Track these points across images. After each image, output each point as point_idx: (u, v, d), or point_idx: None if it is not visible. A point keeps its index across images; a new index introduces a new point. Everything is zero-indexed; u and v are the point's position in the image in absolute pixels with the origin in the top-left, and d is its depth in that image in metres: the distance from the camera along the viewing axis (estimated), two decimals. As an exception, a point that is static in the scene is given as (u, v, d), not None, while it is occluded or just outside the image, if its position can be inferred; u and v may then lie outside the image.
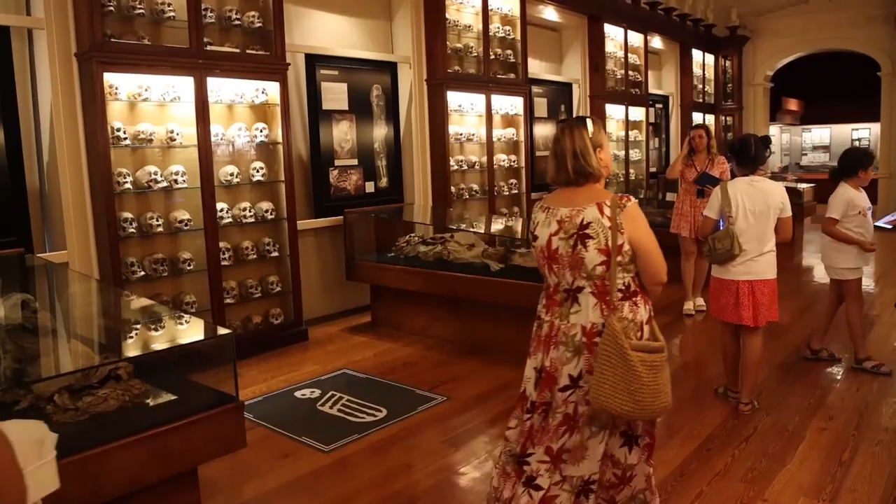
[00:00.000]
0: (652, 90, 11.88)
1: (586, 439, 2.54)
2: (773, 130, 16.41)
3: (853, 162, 4.77)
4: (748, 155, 4.19)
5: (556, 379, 2.55)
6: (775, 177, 12.08)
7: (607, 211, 2.46)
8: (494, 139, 8.03)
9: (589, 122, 2.58)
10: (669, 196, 10.43)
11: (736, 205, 4.10)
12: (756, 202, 4.07)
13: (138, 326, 3.68)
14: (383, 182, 7.24)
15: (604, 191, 2.56)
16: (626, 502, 2.67)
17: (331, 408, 4.45)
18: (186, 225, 5.18)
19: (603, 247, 2.45)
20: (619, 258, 2.46)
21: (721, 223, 4.17)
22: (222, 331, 3.33)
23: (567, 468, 2.54)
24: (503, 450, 2.71)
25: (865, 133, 14.83)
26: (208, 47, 5.24)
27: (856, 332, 4.91)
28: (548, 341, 2.60)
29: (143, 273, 5.00)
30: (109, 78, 4.82)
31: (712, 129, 13.39)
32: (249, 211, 5.59)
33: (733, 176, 4.56)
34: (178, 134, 5.15)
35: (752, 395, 4.26)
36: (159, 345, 3.45)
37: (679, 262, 6.79)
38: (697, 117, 13.27)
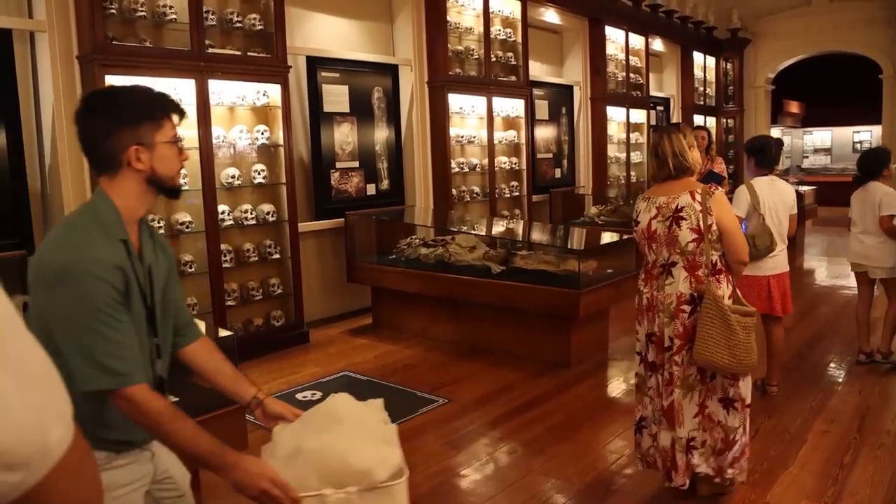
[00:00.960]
0: (653, 92, 11.88)
1: (680, 401, 3.00)
2: (775, 133, 16.40)
3: (878, 162, 4.93)
4: (769, 155, 4.39)
5: (663, 342, 3.04)
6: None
7: (698, 197, 2.96)
8: (495, 141, 8.03)
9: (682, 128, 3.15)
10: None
11: (764, 203, 4.25)
12: (776, 200, 4.29)
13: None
14: (384, 184, 7.25)
15: (695, 182, 3.08)
16: (726, 467, 3.06)
17: (332, 410, 4.44)
18: (188, 227, 5.18)
19: (694, 226, 2.94)
20: (708, 236, 2.93)
21: (743, 224, 4.26)
22: (223, 333, 3.33)
23: (673, 430, 3.03)
24: (638, 412, 3.23)
25: (867, 136, 14.80)
26: (209, 50, 5.25)
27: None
28: (649, 310, 3.10)
29: (144, 275, 5.00)
30: (111, 80, 4.81)
31: (713, 131, 13.44)
32: (251, 213, 5.60)
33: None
34: (179, 136, 5.14)
35: (779, 377, 4.55)
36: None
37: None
38: (698, 119, 13.25)
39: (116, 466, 1.71)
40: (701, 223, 2.93)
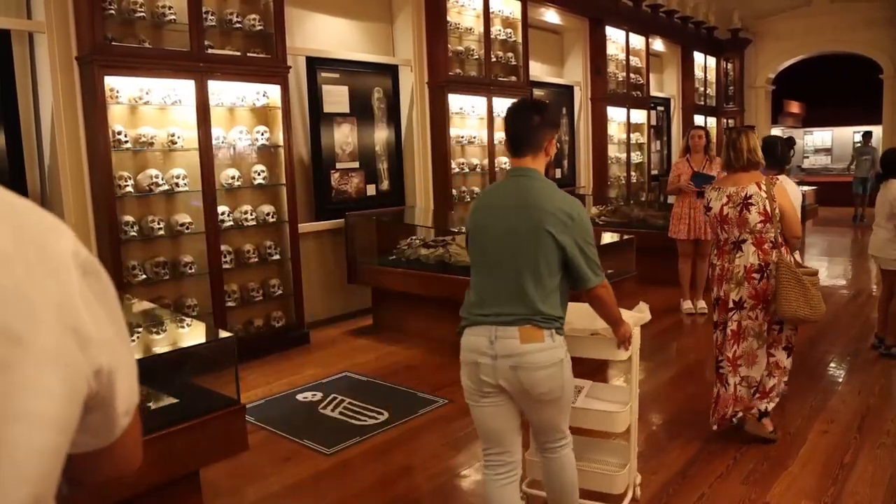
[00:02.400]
0: (653, 93, 11.89)
1: (755, 349, 3.73)
2: (775, 133, 16.40)
3: None
4: (774, 155, 4.42)
5: (727, 304, 3.72)
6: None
7: (763, 187, 3.65)
8: (496, 142, 8.03)
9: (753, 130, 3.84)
10: (671, 198, 10.44)
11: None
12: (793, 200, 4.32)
13: (140, 330, 3.68)
14: (385, 185, 7.25)
15: (759, 174, 3.74)
16: (774, 394, 3.82)
17: (332, 410, 4.45)
18: (188, 228, 5.18)
19: (761, 210, 3.62)
20: (773, 218, 3.61)
21: None
22: (224, 334, 3.33)
23: (742, 370, 3.75)
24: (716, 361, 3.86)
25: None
26: (209, 50, 5.25)
27: None
28: (720, 278, 3.77)
29: (144, 276, 5.01)
30: (110, 81, 4.83)
31: (714, 131, 13.44)
32: (251, 214, 5.60)
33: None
34: (179, 137, 5.16)
35: None
36: (161, 348, 3.45)
37: (676, 264, 6.81)
38: (699, 120, 13.25)
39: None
40: (767, 207, 3.61)
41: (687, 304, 6.81)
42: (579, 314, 2.78)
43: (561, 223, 2.42)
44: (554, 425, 2.62)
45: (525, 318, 2.42)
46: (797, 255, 3.79)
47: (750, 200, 3.63)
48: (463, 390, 2.59)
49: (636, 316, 2.97)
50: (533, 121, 2.59)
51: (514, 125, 2.64)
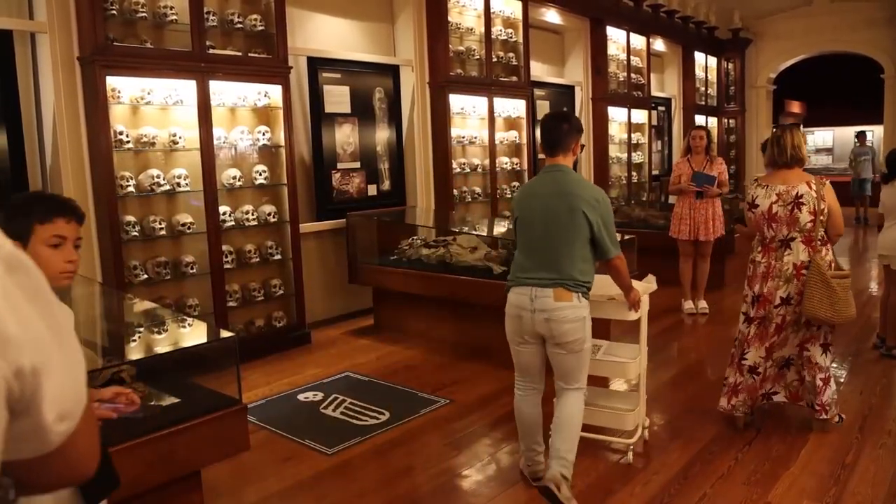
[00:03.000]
0: (654, 93, 11.88)
1: (789, 334, 3.88)
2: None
3: None
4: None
5: (770, 300, 3.82)
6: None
7: (813, 187, 3.73)
8: (497, 142, 8.03)
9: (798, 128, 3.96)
10: (672, 198, 10.42)
11: None
12: None
13: (141, 329, 3.69)
14: (386, 185, 7.25)
15: (806, 173, 3.82)
16: (831, 404, 3.88)
17: (333, 410, 4.45)
18: (189, 228, 5.19)
19: (812, 209, 3.71)
20: (821, 217, 3.72)
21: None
22: (225, 334, 3.33)
23: (774, 353, 3.93)
24: (735, 354, 4.00)
25: (868, 136, 14.84)
26: (210, 51, 5.25)
27: None
28: (764, 275, 3.85)
29: (145, 276, 5.01)
30: (112, 81, 4.83)
31: (715, 131, 13.44)
32: (252, 214, 5.60)
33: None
34: (180, 137, 5.16)
35: None
36: (162, 348, 3.46)
37: (677, 264, 6.80)
38: (700, 120, 13.25)
39: None
40: (816, 207, 3.71)
41: (688, 305, 6.81)
42: (600, 284, 3.40)
43: (590, 205, 3.12)
44: (572, 372, 3.23)
45: (559, 281, 3.12)
46: (836, 260, 3.87)
47: (801, 200, 3.72)
48: (507, 336, 3.33)
49: (644, 285, 3.66)
50: (563, 128, 3.26)
51: (548, 132, 3.28)
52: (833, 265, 3.77)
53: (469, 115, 7.83)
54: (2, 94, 4.63)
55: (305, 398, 4.71)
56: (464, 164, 7.73)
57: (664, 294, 7.25)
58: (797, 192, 3.72)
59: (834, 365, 5.12)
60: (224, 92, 5.46)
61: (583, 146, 3.53)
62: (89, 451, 0.88)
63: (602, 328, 4.28)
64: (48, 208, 1.82)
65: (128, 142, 4.92)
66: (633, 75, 10.76)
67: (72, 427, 0.81)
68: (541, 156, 9.36)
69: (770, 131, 14.57)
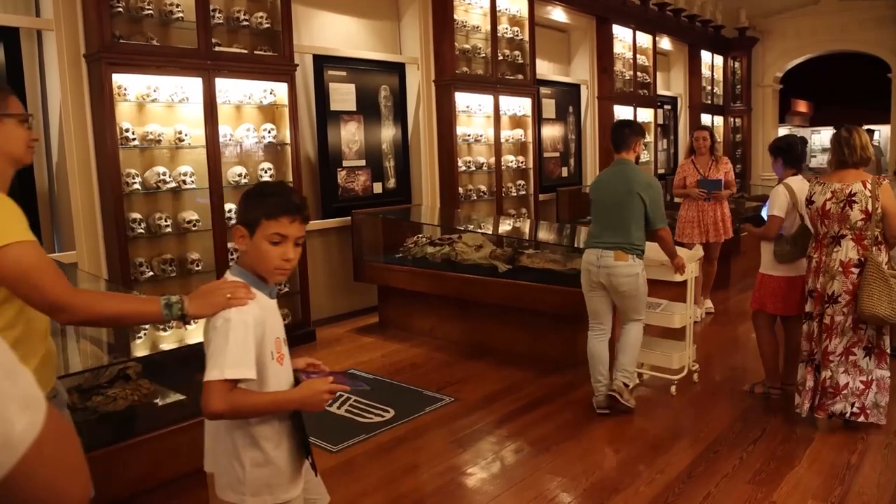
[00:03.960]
0: (660, 91, 11.85)
1: (835, 346, 3.84)
2: (783, 132, 16.35)
3: None
4: (795, 154, 4.41)
5: (822, 297, 3.86)
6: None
7: (868, 186, 3.75)
8: (502, 140, 8.02)
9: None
10: (676, 198, 10.40)
11: (802, 203, 4.21)
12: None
13: (147, 327, 3.70)
14: (391, 183, 7.25)
15: (864, 173, 3.85)
16: (872, 407, 3.83)
17: (338, 408, 4.45)
18: (195, 225, 5.19)
19: (864, 209, 3.74)
20: (874, 217, 3.73)
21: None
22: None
23: (832, 367, 3.86)
24: (805, 352, 4.03)
25: (875, 136, 14.75)
26: (216, 48, 5.26)
27: None
28: (816, 271, 3.92)
29: (151, 273, 5.02)
30: (118, 79, 4.84)
31: (721, 130, 13.40)
32: (257, 211, 5.59)
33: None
34: (186, 135, 5.17)
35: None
36: (168, 345, 3.46)
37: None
38: (706, 119, 13.21)
39: None
40: (869, 206, 3.72)
41: (697, 311, 6.69)
42: (654, 250, 4.33)
43: (644, 189, 4.17)
44: (631, 310, 4.24)
45: (619, 245, 4.12)
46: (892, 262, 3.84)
47: (853, 198, 3.75)
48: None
49: (689, 252, 4.49)
50: (625, 132, 4.33)
51: (615, 135, 4.37)
52: (889, 266, 3.74)
53: (475, 113, 7.82)
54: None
55: (310, 396, 4.71)
56: (469, 162, 7.72)
57: (673, 292, 7.25)
58: (850, 191, 3.76)
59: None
60: (230, 89, 5.47)
61: (646, 144, 3.88)
62: (55, 489, 0.73)
63: (662, 292, 5.02)
64: (277, 205, 1.89)
65: (134, 139, 4.93)
66: (639, 74, 10.73)
67: (14, 455, 0.67)
68: (546, 154, 9.43)
69: (776, 131, 14.56)
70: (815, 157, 20.10)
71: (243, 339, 1.82)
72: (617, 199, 4.18)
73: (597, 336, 4.31)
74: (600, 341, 4.30)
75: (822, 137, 20.00)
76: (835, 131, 4.02)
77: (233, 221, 5.43)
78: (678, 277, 4.39)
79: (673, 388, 4.55)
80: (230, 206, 5.42)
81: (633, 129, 4.33)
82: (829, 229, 3.84)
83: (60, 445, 0.73)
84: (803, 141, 4.58)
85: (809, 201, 3.94)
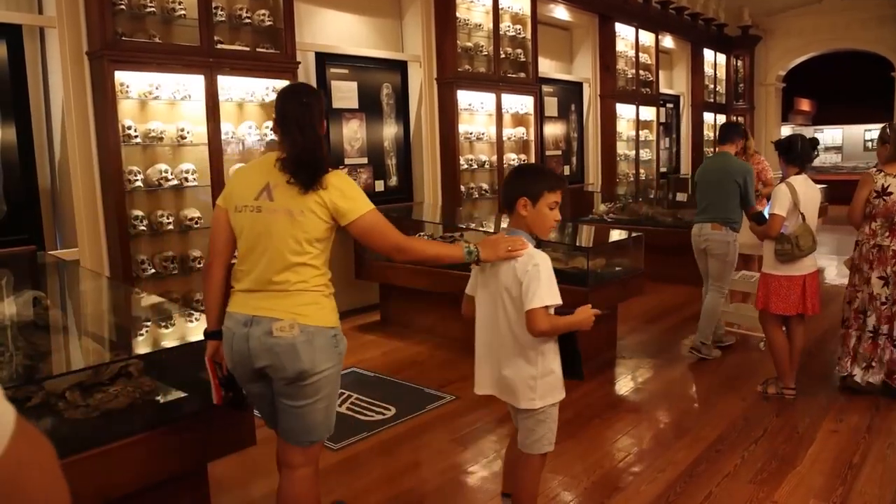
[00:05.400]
0: (663, 90, 11.84)
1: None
2: (786, 131, 16.32)
3: None
4: (795, 152, 4.38)
5: None
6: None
7: None
8: (504, 138, 8.02)
9: None
10: (679, 196, 10.40)
11: (804, 202, 4.24)
12: (813, 199, 4.34)
13: (148, 324, 3.70)
14: (393, 181, 7.25)
15: None
16: None
17: (340, 406, 4.45)
18: (196, 223, 5.19)
19: None
20: None
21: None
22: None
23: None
24: (858, 330, 4.45)
25: (877, 134, 14.85)
26: (219, 46, 5.26)
27: None
28: (894, 256, 4.25)
29: (153, 271, 5.02)
30: (120, 76, 4.84)
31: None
32: (259, 209, 5.59)
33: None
34: (188, 132, 5.17)
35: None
36: (169, 342, 3.46)
37: (684, 262, 6.71)
38: (708, 117, 13.21)
39: None
40: None
41: None
42: (747, 234, 5.05)
43: (739, 175, 5.06)
44: (716, 276, 5.20)
45: (715, 218, 5.10)
46: None
47: None
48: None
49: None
50: (730, 130, 5.34)
51: (722, 131, 5.38)
52: None
53: (477, 111, 7.82)
54: (11, 88, 4.64)
55: (312, 393, 4.71)
56: (471, 160, 7.72)
57: (673, 291, 7.26)
58: None
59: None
60: (232, 87, 5.47)
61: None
62: (39, 490, 0.70)
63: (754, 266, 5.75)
64: (555, 180, 2.62)
65: (136, 136, 4.93)
66: (641, 72, 10.73)
67: None
68: (548, 152, 9.43)
69: (779, 129, 14.56)
70: (818, 155, 20.04)
71: (550, 276, 2.49)
72: (717, 181, 5.12)
73: (706, 294, 5.31)
74: (710, 294, 5.29)
75: (824, 136, 19.98)
76: (884, 126, 4.43)
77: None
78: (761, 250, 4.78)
79: (761, 345, 5.32)
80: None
81: (736, 130, 5.34)
82: None
83: (36, 454, 0.70)
84: (812, 141, 4.56)
85: (885, 192, 4.21)
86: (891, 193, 4.18)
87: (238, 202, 2.43)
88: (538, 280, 2.46)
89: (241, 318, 2.38)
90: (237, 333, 2.38)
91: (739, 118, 14.30)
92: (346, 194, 2.38)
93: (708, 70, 13.15)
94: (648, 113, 11.12)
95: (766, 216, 4.37)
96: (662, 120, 11.90)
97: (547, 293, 2.46)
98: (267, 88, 5.67)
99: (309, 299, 2.38)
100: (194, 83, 5.17)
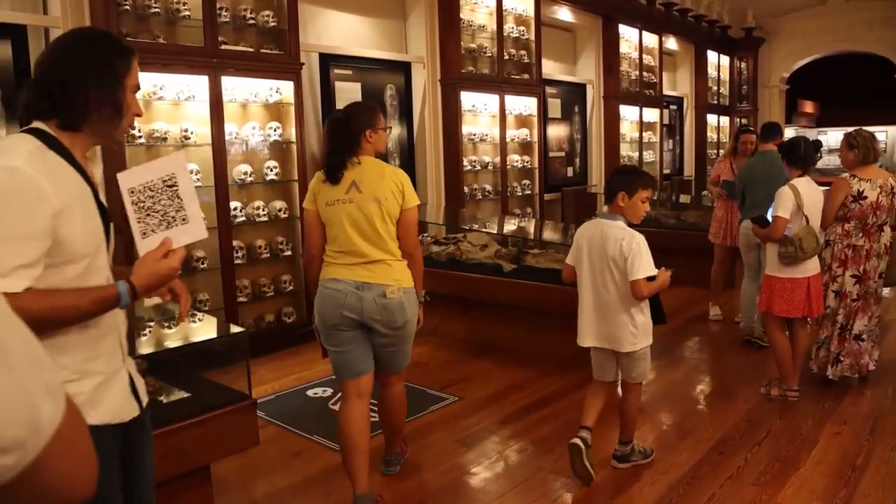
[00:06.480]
0: (666, 91, 11.84)
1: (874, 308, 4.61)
2: (789, 133, 16.29)
3: None
4: (797, 154, 4.39)
5: (872, 277, 4.50)
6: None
7: (891, 180, 4.45)
8: (508, 140, 8.02)
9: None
10: (683, 198, 10.39)
11: (808, 204, 4.24)
12: (817, 201, 4.34)
13: (152, 324, 3.70)
14: (396, 182, 7.23)
15: (882, 170, 4.66)
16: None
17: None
18: (200, 223, 5.19)
19: None
20: None
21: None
22: (236, 329, 3.34)
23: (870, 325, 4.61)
24: (831, 326, 4.60)
25: (882, 136, 14.67)
26: (223, 46, 5.26)
27: None
28: (867, 255, 4.48)
29: (156, 271, 5.01)
30: (125, 77, 4.83)
31: (727, 131, 13.35)
32: (263, 210, 5.61)
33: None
34: (192, 133, 5.18)
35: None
36: (173, 343, 3.47)
37: (687, 263, 6.67)
38: (712, 119, 13.19)
39: None
40: None
41: (715, 311, 6.57)
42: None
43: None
44: (760, 266, 5.29)
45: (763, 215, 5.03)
46: None
47: (894, 191, 4.45)
48: None
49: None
50: (774, 128, 5.80)
51: (764, 130, 5.85)
52: None
53: (480, 112, 7.82)
54: (15, 88, 4.65)
55: (315, 394, 4.72)
56: (474, 161, 7.72)
57: (677, 294, 7.25)
58: (891, 185, 4.44)
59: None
60: (236, 88, 5.48)
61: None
62: (71, 476, 0.74)
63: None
64: (648, 180, 3.35)
65: (140, 137, 4.94)
66: (644, 74, 10.72)
67: (24, 459, 0.66)
68: (552, 154, 9.44)
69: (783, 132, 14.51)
70: (821, 157, 20.01)
71: (647, 252, 3.20)
72: (765, 178, 5.30)
73: (747, 281, 5.65)
74: (748, 284, 5.64)
75: (828, 138, 19.91)
76: (849, 132, 4.55)
77: (238, 219, 5.45)
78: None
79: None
80: (235, 204, 5.43)
81: (777, 129, 5.83)
82: (878, 219, 4.42)
83: (78, 432, 0.74)
84: (816, 143, 4.59)
85: (861, 196, 4.37)
86: (866, 197, 4.38)
87: (328, 198, 3.02)
88: (640, 256, 3.19)
89: (353, 284, 2.99)
90: (349, 294, 2.98)
91: (743, 120, 14.28)
92: (410, 187, 3.16)
93: (711, 72, 13.13)
94: (652, 115, 11.11)
95: (769, 219, 4.36)
96: (666, 122, 11.89)
97: (647, 266, 3.20)
98: (271, 89, 5.68)
99: (401, 267, 3.10)
100: (198, 84, 5.18)
